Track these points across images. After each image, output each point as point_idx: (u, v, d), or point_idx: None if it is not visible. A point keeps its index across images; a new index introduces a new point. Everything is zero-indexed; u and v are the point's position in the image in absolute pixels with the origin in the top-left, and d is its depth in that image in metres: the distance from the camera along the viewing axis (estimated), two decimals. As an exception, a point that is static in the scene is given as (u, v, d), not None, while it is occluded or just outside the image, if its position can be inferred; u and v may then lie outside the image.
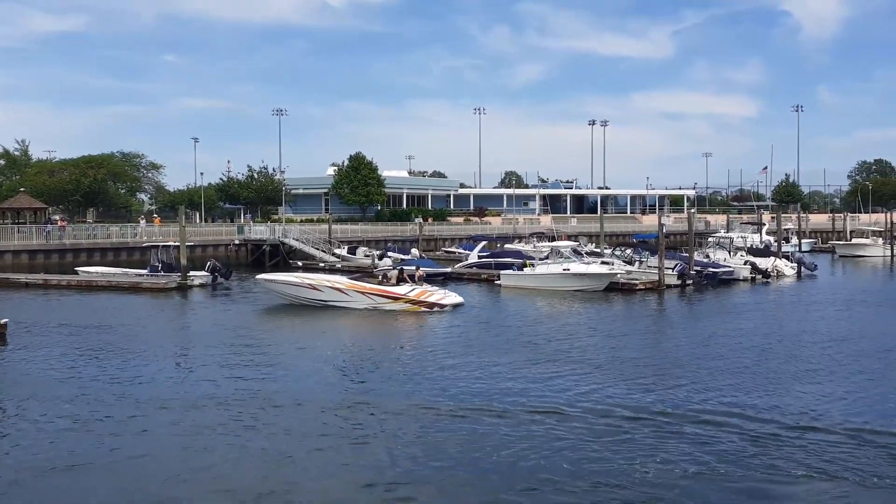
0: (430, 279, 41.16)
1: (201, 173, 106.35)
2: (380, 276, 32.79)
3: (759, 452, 12.81)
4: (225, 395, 16.75)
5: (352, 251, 56.86)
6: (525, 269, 41.56)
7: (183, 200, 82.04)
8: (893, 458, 12.55)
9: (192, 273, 40.84)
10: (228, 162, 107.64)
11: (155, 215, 68.04)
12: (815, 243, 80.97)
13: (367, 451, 13.14)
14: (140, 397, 16.67)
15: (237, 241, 58.25)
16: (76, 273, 43.07)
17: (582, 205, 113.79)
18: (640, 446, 13.17)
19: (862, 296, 38.13)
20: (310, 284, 32.27)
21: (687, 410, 15.37)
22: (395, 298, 30.88)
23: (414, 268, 35.76)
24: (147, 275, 41.30)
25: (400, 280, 32.22)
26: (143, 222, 58.69)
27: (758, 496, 11.23)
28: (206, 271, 41.62)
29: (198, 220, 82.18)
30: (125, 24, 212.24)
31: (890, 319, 30.37)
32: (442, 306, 30.77)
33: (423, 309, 30.51)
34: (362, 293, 31.24)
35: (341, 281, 32.45)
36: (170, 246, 43.29)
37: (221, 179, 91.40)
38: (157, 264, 41.82)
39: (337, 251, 57.10)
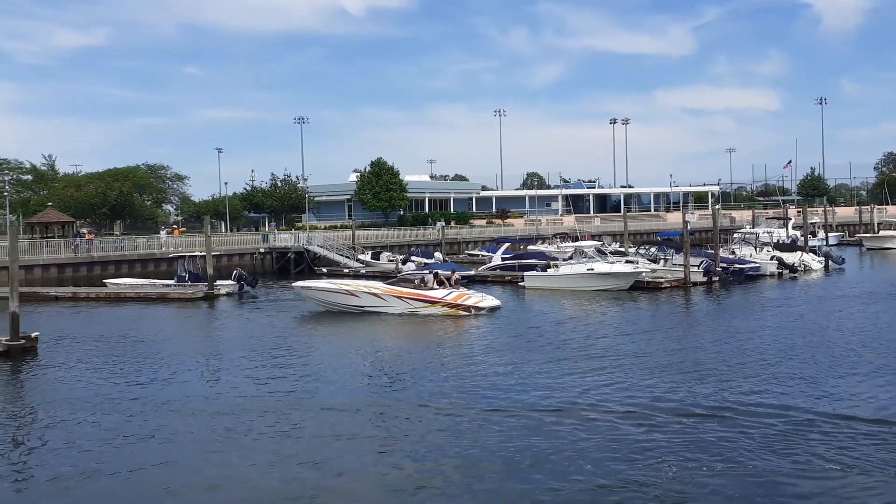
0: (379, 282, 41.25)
1: (225, 183, 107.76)
2: (416, 281, 32.52)
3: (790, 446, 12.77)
4: (265, 400, 16.93)
5: (375, 256, 57.04)
6: (549, 269, 41.48)
7: (208, 210, 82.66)
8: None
9: (218, 282, 41.21)
10: (252, 171, 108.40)
11: (175, 226, 68.57)
12: (843, 237, 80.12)
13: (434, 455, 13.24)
14: (181, 405, 16.89)
15: (262, 250, 58.67)
16: (104, 285, 43.64)
17: (605, 204, 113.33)
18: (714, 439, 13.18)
19: (891, 288, 37.63)
20: (347, 290, 32.30)
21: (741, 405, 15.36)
22: (433, 302, 30.83)
23: (450, 271, 35.48)
24: (174, 285, 41.76)
25: (438, 284, 32.06)
26: (164, 233, 59.22)
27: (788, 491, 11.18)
28: (233, 280, 41.95)
29: (223, 230, 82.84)
30: (145, 36, 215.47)
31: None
32: (479, 309, 30.63)
33: (461, 312, 30.42)
34: (400, 298, 31.13)
35: (378, 286, 32.27)
36: (196, 256, 43.69)
37: (245, 189, 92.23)
38: (184, 274, 42.27)
39: (361, 257, 57.33)
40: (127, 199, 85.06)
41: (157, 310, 36.36)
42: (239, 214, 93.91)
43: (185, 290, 40.43)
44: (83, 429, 15.38)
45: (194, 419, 15.87)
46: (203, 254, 42.51)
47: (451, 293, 31.25)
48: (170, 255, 48.83)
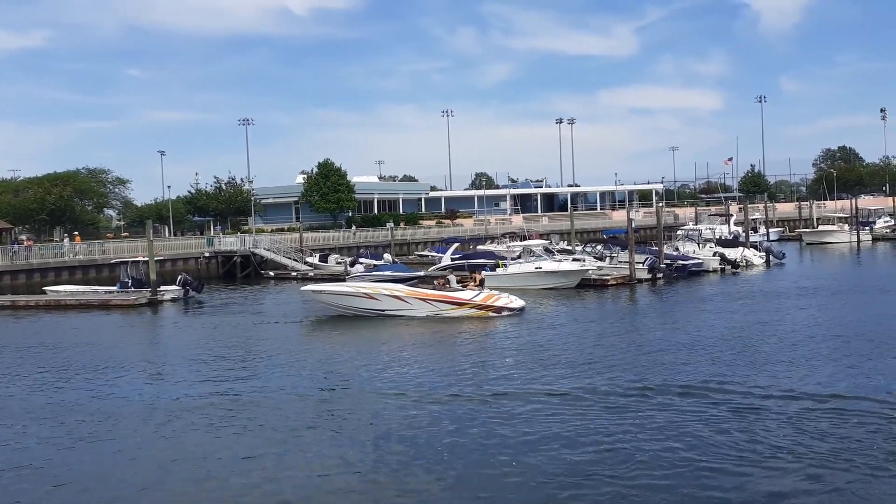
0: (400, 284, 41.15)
1: (168, 186, 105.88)
2: (436, 282, 31.38)
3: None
4: (207, 404, 16.67)
5: (323, 259, 56.65)
6: (498, 269, 41.65)
7: (151, 215, 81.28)
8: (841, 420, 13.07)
9: (162, 287, 40.46)
10: (196, 174, 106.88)
11: (76, 233, 66.53)
12: (783, 232, 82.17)
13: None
14: (119, 411, 16.53)
15: (207, 254, 57.73)
16: (45, 293, 42.49)
17: (552, 203, 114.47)
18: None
19: (829, 283, 38.75)
20: (365, 293, 30.67)
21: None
22: (460, 304, 29.57)
23: (477, 271, 34.49)
24: (117, 291, 40.87)
25: (463, 284, 31.19)
26: (66, 241, 56.80)
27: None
28: (178, 285, 41.23)
29: (167, 234, 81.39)
30: (86, 38, 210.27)
31: (854, 306, 30.86)
32: (511, 310, 29.63)
33: (490, 314, 29.30)
34: (424, 300, 29.85)
35: (401, 288, 30.80)
36: (139, 261, 42.82)
37: (189, 192, 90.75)
38: (126, 280, 41.39)
39: (309, 259, 56.85)
40: (66, 204, 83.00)
41: (99, 317, 35.55)
42: (183, 218, 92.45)
43: (128, 297, 39.60)
44: (28, 440, 14.96)
45: (132, 425, 15.53)
46: (146, 259, 41.68)
47: (479, 294, 30.10)
48: (112, 261, 47.79)
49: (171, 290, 40.61)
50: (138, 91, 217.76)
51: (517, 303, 30.13)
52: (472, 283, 31.51)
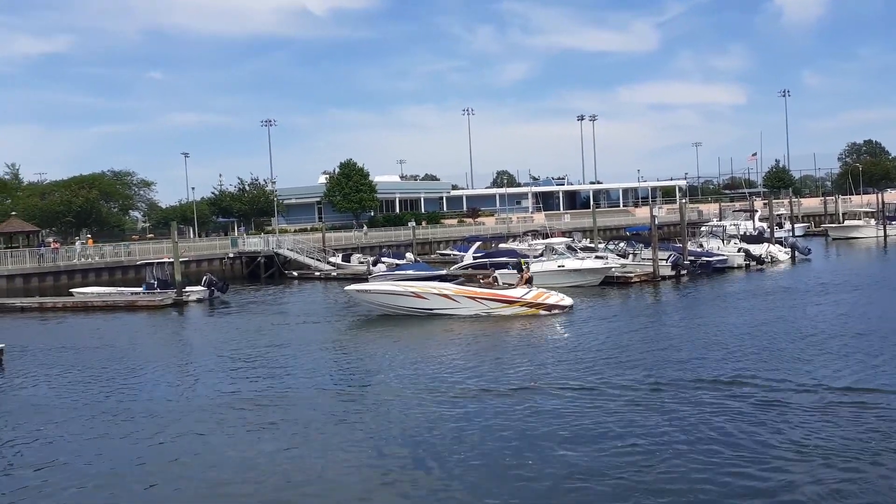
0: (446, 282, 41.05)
1: (192, 188, 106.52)
2: (483, 280, 31.04)
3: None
4: (237, 402, 16.82)
5: (346, 258, 56.87)
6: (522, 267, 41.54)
7: (175, 216, 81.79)
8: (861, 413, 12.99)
9: (188, 288, 40.83)
10: (220, 175, 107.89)
11: (89, 236, 67.02)
12: (808, 227, 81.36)
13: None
14: (148, 410, 16.73)
15: (231, 255, 58.18)
16: (71, 294, 43.03)
17: (574, 200, 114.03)
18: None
19: (855, 278, 38.30)
20: (413, 293, 30.20)
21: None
22: (511, 302, 29.27)
23: (524, 269, 34.07)
24: (143, 293, 41.28)
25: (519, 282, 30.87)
26: (78, 244, 56.87)
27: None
28: (203, 286, 41.58)
29: (191, 236, 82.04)
30: (108, 42, 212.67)
31: (880, 302, 30.48)
32: (562, 307, 29.32)
33: (541, 312, 28.98)
34: (473, 298, 29.46)
35: (448, 287, 30.33)
36: (164, 262, 43.24)
37: (213, 193, 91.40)
38: (152, 281, 41.80)
39: (332, 259, 57.11)
40: (93, 206, 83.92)
41: (126, 318, 35.94)
42: (207, 220, 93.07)
43: (154, 298, 39.97)
44: (51, 437, 15.19)
45: (160, 424, 15.71)
46: (171, 260, 42.08)
47: (529, 292, 29.69)
48: (137, 263, 48.29)
49: (196, 291, 40.94)
50: (159, 94, 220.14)
51: (567, 301, 29.81)
52: (520, 281, 30.99)
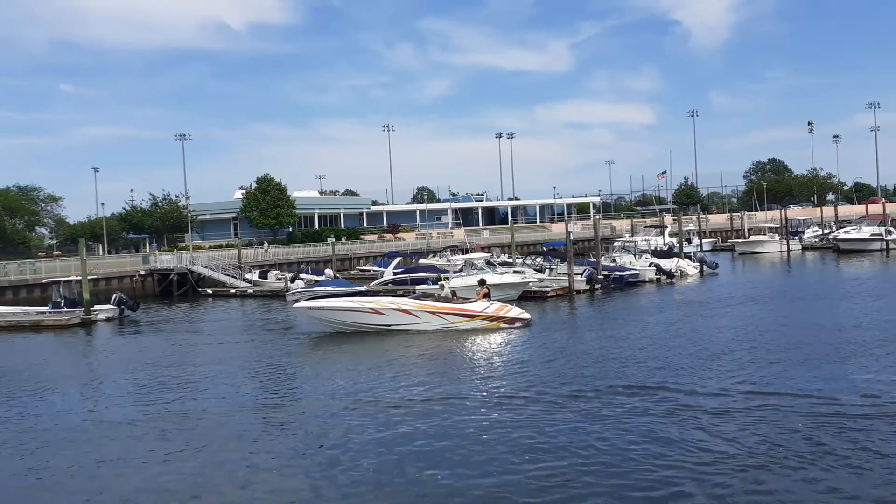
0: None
1: (103, 203, 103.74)
2: (439, 294, 30.76)
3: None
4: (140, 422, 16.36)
5: (263, 275, 56.05)
6: (440, 282, 41.82)
7: (84, 232, 79.17)
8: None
9: (96, 307, 39.59)
10: (132, 191, 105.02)
11: None
12: (716, 242, 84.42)
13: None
14: (49, 432, 16.10)
15: (143, 272, 56.57)
16: (-29, 314, 41.01)
17: (493, 216, 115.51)
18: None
19: (757, 291, 39.95)
20: (371, 308, 29.70)
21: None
22: (472, 316, 29.17)
23: (480, 283, 33.92)
24: (49, 312, 39.74)
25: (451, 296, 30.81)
26: None
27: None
28: (112, 304, 40.36)
29: (101, 252, 79.47)
30: (16, 53, 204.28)
31: (785, 313, 31.90)
32: (522, 321, 29.36)
33: (501, 325, 28.97)
34: (434, 313, 29.25)
35: (408, 302, 30.15)
36: (72, 280, 41.74)
37: (124, 209, 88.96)
38: (59, 300, 40.26)
39: (248, 276, 56.18)
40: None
41: (31, 338, 34.55)
42: (118, 236, 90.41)
43: (61, 317, 38.58)
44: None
45: (61, 446, 15.17)
46: (79, 278, 40.67)
47: (490, 306, 29.70)
48: (43, 281, 46.48)
49: (105, 310, 39.75)
50: (71, 107, 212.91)
51: (526, 314, 30.04)
52: (478, 296, 30.92)
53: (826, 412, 14.95)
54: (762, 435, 13.71)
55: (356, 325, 29.65)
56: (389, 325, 29.24)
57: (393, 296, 36.51)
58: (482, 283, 33.68)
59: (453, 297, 30.75)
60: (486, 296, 31.13)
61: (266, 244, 73.64)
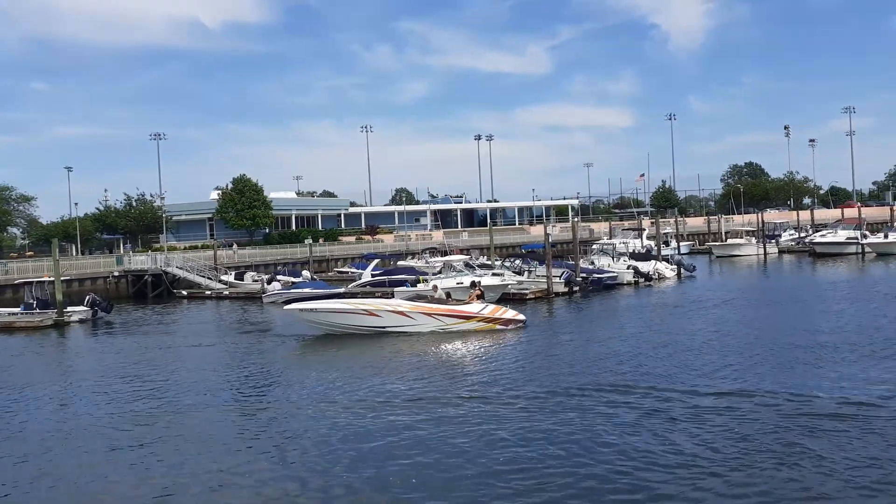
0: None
1: (76, 204, 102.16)
2: (433, 296, 30.48)
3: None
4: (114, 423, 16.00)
5: (239, 277, 55.46)
6: (419, 284, 41.64)
7: (58, 233, 78.05)
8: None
9: (69, 308, 39.05)
10: (106, 191, 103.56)
11: None
12: (693, 245, 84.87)
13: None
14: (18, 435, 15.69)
15: (116, 273, 55.87)
16: (-59, 316, 40.23)
17: (472, 218, 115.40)
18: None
19: (733, 294, 40.12)
20: (365, 310, 29.31)
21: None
22: (468, 317, 28.80)
23: (475, 284, 33.87)
24: (21, 313, 39.07)
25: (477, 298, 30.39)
26: None
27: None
28: (86, 306, 39.81)
29: (74, 253, 78.42)
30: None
31: (761, 315, 32.01)
32: (518, 322, 29.09)
33: (497, 327, 28.65)
34: (430, 315, 28.84)
35: (403, 303, 29.92)
36: (44, 281, 41.11)
37: (98, 209, 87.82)
38: (31, 301, 39.65)
39: (224, 278, 55.59)
40: (-34, 222, 79.20)
41: (1, 340, 33.90)
42: (91, 237, 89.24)
43: (33, 318, 38.01)
44: None
45: (37, 448, 14.81)
46: (52, 279, 40.06)
47: (485, 307, 29.44)
48: (15, 282, 45.75)
49: (78, 311, 39.23)
50: (44, 106, 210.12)
51: (521, 315, 29.84)
52: (472, 297, 30.61)
53: (797, 412, 15.04)
54: (734, 435, 13.73)
55: (350, 327, 29.18)
56: (384, 327, 28.80)
57: (372, 297, 36.40)
58: (475, 284, 33.55)
59: (448, 298, 30.49)
60: (480, 297, 30.95)
61: (235, 246, 72.84)
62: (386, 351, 25.47)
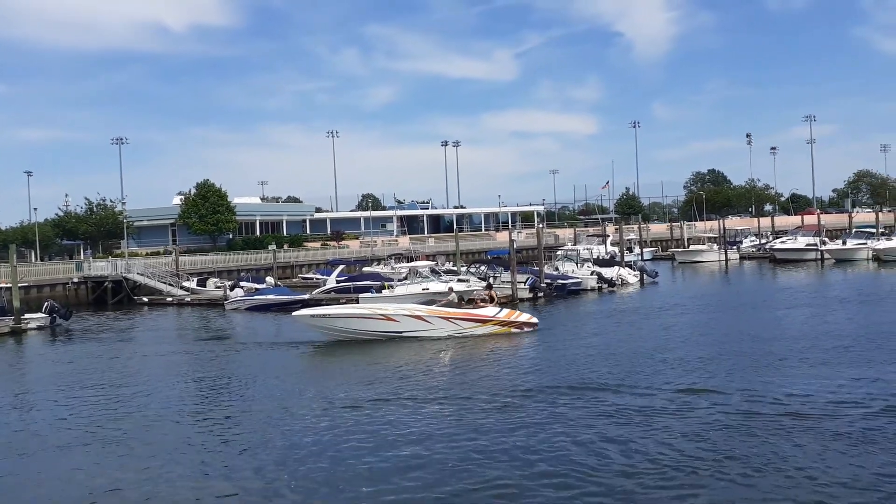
0: (285, 307, 40.47)
1: (35, 209, 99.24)
2: (441, 301, 30.18)
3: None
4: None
5: (202, 283, 54.82)
6: (384, 290, 41.49)
7: (16, 238, 76.51)
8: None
9: (27, 315, 38.39)
10: (66, 195, 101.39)
11: None
12: (656, 251, 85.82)
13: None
14: None
15: (76, 279, 54.90)
16: None
17: (438, 224, 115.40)
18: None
19: (694, 300, 40.60)
20: (382, 315, 28.59)
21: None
22: (484, 321, 28.65)
23: (487, 287, 33.64)
24: (-25, 321, 38.24)
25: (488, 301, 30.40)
26: None
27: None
28: (44, 313, 39.10)
29: (32, 259, 76.97)
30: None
31: (721, 319, 32.43)
32: (532, 325, 29.02)
33: (513, 330, 28.61)
34: (447, 319, 28.39)
35: (420, 308, 29.23)
36: (1, 288, 40.32)
37: (58, 214, 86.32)
38: (-14, 308, 38.84)
39: (186, 284, 54.92)
40: (-81, 227, 77.34)
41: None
42: (51, 242, 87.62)
43: (-12, 326, 37.20)
44: None
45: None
46: (9, 285, 39.29)
47: (501, 311, 29.29)
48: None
49: (36, 318, 38.57)
50: (2, 108, 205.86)
51: (534, 319, 29.81)
52: (482, 300, 30.56)
53: (745, 412, 15.36)
54: (689, 436, 13.93)
55: (366, 333, 28.45)
56: (402, 332, 28.19)
57: (336, 304, 36.20)
58: (490, 286, 33.84)
59: (460, 302, 30.28)
60: (492, 299, 30.92)
61: (175, 252, 71.29)
62: (362, 354, 25.29)
